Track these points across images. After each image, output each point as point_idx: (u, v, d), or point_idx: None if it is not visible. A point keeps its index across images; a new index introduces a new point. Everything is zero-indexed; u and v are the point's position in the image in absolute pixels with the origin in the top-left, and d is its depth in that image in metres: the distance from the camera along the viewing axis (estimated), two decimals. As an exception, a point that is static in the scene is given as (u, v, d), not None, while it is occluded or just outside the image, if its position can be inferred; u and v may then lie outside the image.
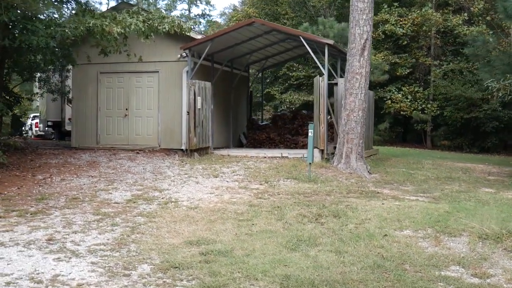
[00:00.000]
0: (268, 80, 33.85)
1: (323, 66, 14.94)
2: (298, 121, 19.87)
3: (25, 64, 15.15)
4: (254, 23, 15.48)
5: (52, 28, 11.54)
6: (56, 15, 12.54)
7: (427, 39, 31.00)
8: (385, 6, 30.38)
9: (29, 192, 10.62)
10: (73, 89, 17.70)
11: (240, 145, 20.13)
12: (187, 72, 16.25)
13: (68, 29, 11.52)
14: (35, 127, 29.74)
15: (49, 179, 11.79)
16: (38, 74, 17.83)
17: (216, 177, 12.35)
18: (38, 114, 28.71)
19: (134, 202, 9.82)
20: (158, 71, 16.80)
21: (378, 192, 11.12)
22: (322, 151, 14.47)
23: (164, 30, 12.13)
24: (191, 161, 14.49)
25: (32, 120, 30.90)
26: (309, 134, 12.10)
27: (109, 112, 17.38)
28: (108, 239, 7.46)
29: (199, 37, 16.05)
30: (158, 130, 16.82)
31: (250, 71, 22.96)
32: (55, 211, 9.12)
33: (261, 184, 11.71)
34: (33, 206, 9.44)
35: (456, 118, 27.75)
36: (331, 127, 16.79)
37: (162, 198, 10.19)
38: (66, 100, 23.12)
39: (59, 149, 16.69)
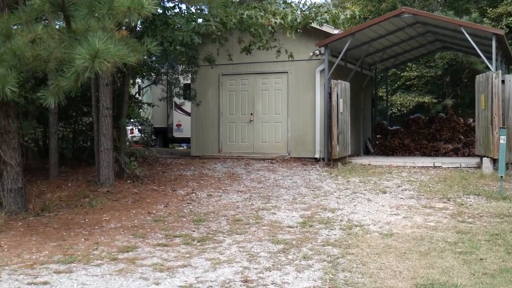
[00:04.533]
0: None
1: (490, 60, 12.76)
2: (435, 125, 17.71)
3: (147, 66, 13.92)
4: (404, 13, 13.49)
5: (193, 22, 10.09)
6: (192, 9, 11.08)
7: None
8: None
9: (179, 211, 9.16)
10: (192, 93, 16.36)
11: (366, 152, 18.17)
12: (321, 71, 14.51)
13: (213, 22, 10.01)
14: (130, 134, 28.98)
15: (193, 194, 10.33)
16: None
17: (385, 193, 10.49)
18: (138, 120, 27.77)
19: (311, 226, 8.11)
20: (287, 72, 15.16)
21: None
22: (494, 160, 12.25)
23: (322, 21, 10.40)
24: (338, 172, 12.68)
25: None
26: (501, 141, 10.01)
27: (232, 118, 15.91)
28: (314, 280, 5.77)
29: (335, 32, 14.25)
30: (287, 137, 15.16)
31: (370, 71, 20.96)
32: (224, 237, 7.54)
33: (444, 202, 9.74)
34: (194, 230, 7.92)
35: None
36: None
37: (340, 221, 8.44)
38: (174, 105, 21.99)
39: (181, 158, 15.36)
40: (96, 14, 5.98)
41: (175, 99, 18.17)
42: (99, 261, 6.35)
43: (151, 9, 5.99)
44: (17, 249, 6.94)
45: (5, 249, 6.96)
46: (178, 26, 10.18)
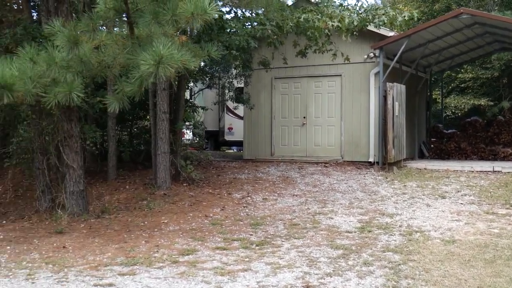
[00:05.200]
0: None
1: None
2: (493, 128, 17.18)
3: (201, 70, 14.04)
4: (462, 14, 13.15)
5: (249, 26, 10.11)
6: (246, 13, 11.11)
7: None
8: None
9: (236, 215, 9.20)
10: (244, 96, 16.41)
11: (421, 156, 17.78)
12: (376, 74, 14.31)
13: (269, 26, 10.02)
14: (182, 137, 29.31)
15: (249, 198, 10.36)
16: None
17: (444, 198, 10.25)
18: (192, 123, 28.11)
19: (369, 231, 7.99)
20: (340, 74, 15.02)
21: None
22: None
23: (380, 23, 10.25)
24: (394, 176, 12.46)
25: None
26: None
27: (285, 121, 15.87)
28: (376, 287, 5.67)
29: (390, 34, 14.03)
30: (340, 140, 15.00)
31: (425, 73, 20.52)
32: (282, 241, 7.52)
33: (507, 209, 9.43)
34: (252, 234, 7.93)
35: None
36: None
37: (400, 226, 8.28)
38: (225, 109, 22.14)
39: (234, 161, 15.43)
40: (160, 21, 6.06)
41: (229, 102, 18.26)
42: (161, 264, 6.44)
43: (213, 14, 6.03)
44: (81, 251, 7.11)
45: (70, 250, 7.15)
46: (234, 30, 10.24)
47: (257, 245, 7.29)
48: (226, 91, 17.68)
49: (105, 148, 12.44)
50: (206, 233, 8.03)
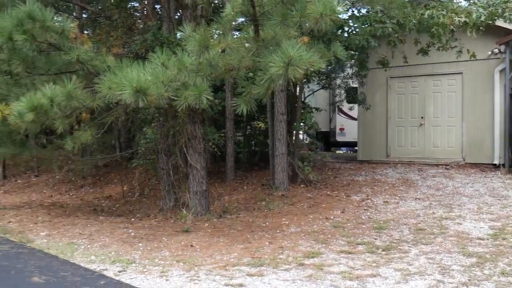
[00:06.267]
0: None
1: None
2: None
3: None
4: None
5: (368, 25, 9.88)
6: (363, 11, 10.87)
7: None
8: None
9: (357, 217, 9.01)
10: (359, 96, 16.11)
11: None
12: (501, 71, 13.45)
13: (389, 24, 9.72)
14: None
15: (368, 201, 10.12)
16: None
17: None
18: (306, 124, 28.01)
19: (504, 239, 7.49)
20: (461, 72, 14.29)
21: None
22: None
23: (511, 17, 9.61)
24: (524, 180, 11.66)
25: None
26: None
27: (401, 121, 15.37)
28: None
29: (516, 27, 13.10)
30: (462, 141, 14.27)
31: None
32: (409, 247, 7.24)
33: None
34: (376, 238, 7.72)
35: None
36: None
37: (539, 234, 7.70)
38: (337, 110, 21.88)
39: (348, 162, 15.18)
40: (288, 23, 6.05)
41: (344, 102, 18.01)
42: (287, 266, 6.42)
43: (341, 13, 5.93)
44: (208, 250, 7.28)
45: (198, 249, 7.33)
46: (353, 29, 10.06)
47: (383, 250, 7.08)
48: (340, 91, 17.46)
49: (222, 149, 12.72)
50: (329, 235, 7.93)
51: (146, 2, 11.35)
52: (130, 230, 8.74)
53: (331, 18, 5.83)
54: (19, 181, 16.82)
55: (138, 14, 12.39)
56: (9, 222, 9.98)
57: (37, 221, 9.97)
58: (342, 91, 16.83)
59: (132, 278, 6.00)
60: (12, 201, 13.23)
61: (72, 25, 7.42)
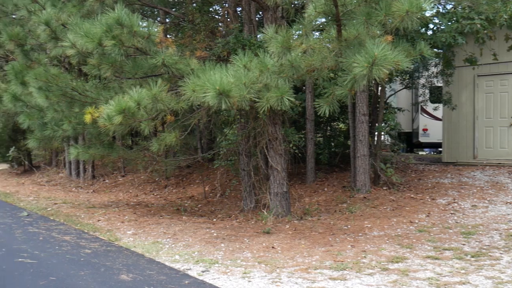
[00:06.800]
0: None
1: None
2: None
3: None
4: None
5: (455, 21, 9.49)
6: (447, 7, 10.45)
7: None
8: None
9: (443, 222, 8.68)
10: (445, 96, 15.54)
11: None
12: None
13: (478, 21, 9.30)
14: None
15: (455, 204, 9.73)
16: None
17: None
18: (389, 125, 27.44)
19: None
20: (555, 69, 13.49)
21: None
22: None
23: None
24: None
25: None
26: None
27: (489, 122, 14.68)
28: None
29: None
30: (556, 142, 13.46)
31: None
32: (501, 253, 6.87)
33: None
34: (464, 244, 7.39)
35: None
36: None
37: None
38: (420, 109, 21.25)
39: (433, 164, 14.67)
40: (372, 22, 5.92)
41: (428, 102, 17.45)
42: (370, 270, 6.28)
43: (427, 11, 5.72)
44: (289, 252, 7.25)
45: (279, 251, 7.32)
46: (438, 26, 9.71)
47: (472, 256, 6.77)
48: (424, 90, 16.93)
49: (302, 150, 12.66)
50: (414, 240, 7.68)
51: (227, 5, 11.49)
52: (213, 231, 8.87)
53: (418, 16, 5.64)
54: (107, 181, 17.54)
55: (219, 17, 12.57)
56: (98, 220, 10.41)
57: (124, 220, 10.33)
58: (426, 91, 16.29)
59: (215, 279, 6.07)
60: (100, 200, 13.81)
61: (157, 29, 7.63)
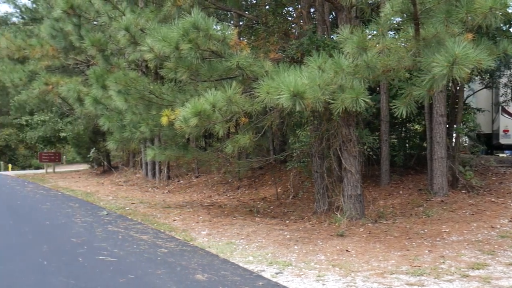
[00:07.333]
0: None
1: None
2: None
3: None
4: None
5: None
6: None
7: None
8: None
9: (530, 228, 8.27)
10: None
11: None
12: None
13: None
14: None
15: (541, 210, 9.25)
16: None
17: None
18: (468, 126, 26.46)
19: None
20: None
21: None
22: None
23: None
24: None
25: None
26: None
27: None
28: None
29: None
30: None
31: None
32: None
33: None
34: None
35: None
36: None
37: None
38: (500, 110, 20.37)
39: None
40: (452, 19, 5.72)
41: (509, 102, 16.73)
42: (450, 277, 6.06)
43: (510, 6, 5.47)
44: (364, 255, 7.12)
45: (353, 255, 7.21)
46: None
47: None
48: (506, 90, 16.20)
49: (376, 152, 12.42)
50: (495, 246, 7.36)
51: (300, 7, 11.46)
52: (286, 232, 8.86)
53: (503, 12, 5.40)
54: (181, 181, 17.93)
55: (292, 19, 12.55)
56: (174, 220, 10.64)
57: (198, 220, 10.51)
58: (508, 90, 15.61)
59: (288, 281, 6.05)
60: (175, 201, 14.13)
61: (231, 32, 7.71)
